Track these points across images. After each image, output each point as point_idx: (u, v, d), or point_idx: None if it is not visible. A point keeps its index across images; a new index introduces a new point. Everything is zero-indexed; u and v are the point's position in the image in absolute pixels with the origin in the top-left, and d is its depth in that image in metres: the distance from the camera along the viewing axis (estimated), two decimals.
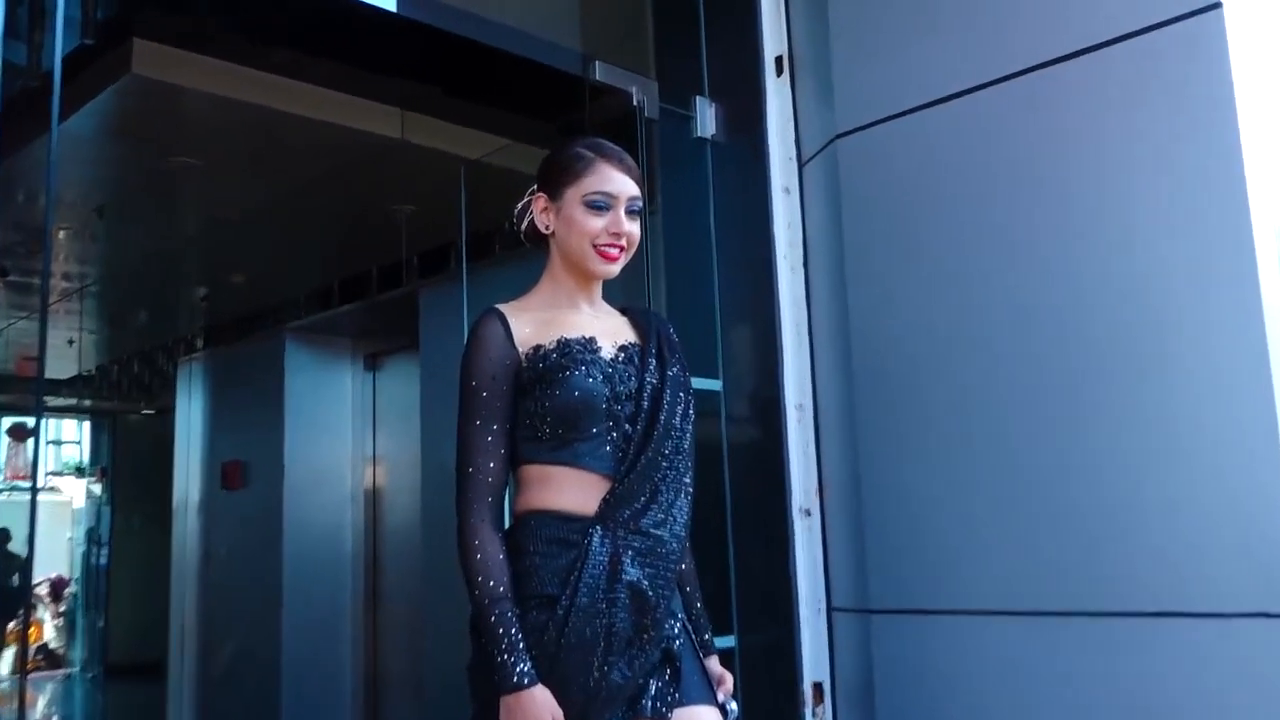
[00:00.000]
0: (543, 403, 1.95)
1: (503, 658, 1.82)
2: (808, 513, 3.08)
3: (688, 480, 2.03)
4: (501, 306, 2.05)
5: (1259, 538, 2.18)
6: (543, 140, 4.49)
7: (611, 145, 2.09)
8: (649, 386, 2.01)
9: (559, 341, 1.99)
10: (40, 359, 7.16)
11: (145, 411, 10.27)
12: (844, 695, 2.92)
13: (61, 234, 5.78)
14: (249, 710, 6.77)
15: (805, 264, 3.18)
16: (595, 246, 2.04)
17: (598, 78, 3.25)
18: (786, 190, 3.25)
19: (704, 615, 2.12)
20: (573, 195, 2.05)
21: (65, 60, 2.42)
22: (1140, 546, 2.36)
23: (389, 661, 6.84)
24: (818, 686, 2.99)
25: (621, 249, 2.06)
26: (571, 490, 1.95)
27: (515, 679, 1.82)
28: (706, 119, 3.38)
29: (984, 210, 2.71)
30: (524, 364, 1.98)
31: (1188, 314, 2.33)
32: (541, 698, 1.82)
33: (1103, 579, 2.41)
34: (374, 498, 7.13)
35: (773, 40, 3.32)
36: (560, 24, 3.54)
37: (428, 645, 5.62)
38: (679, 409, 2.03)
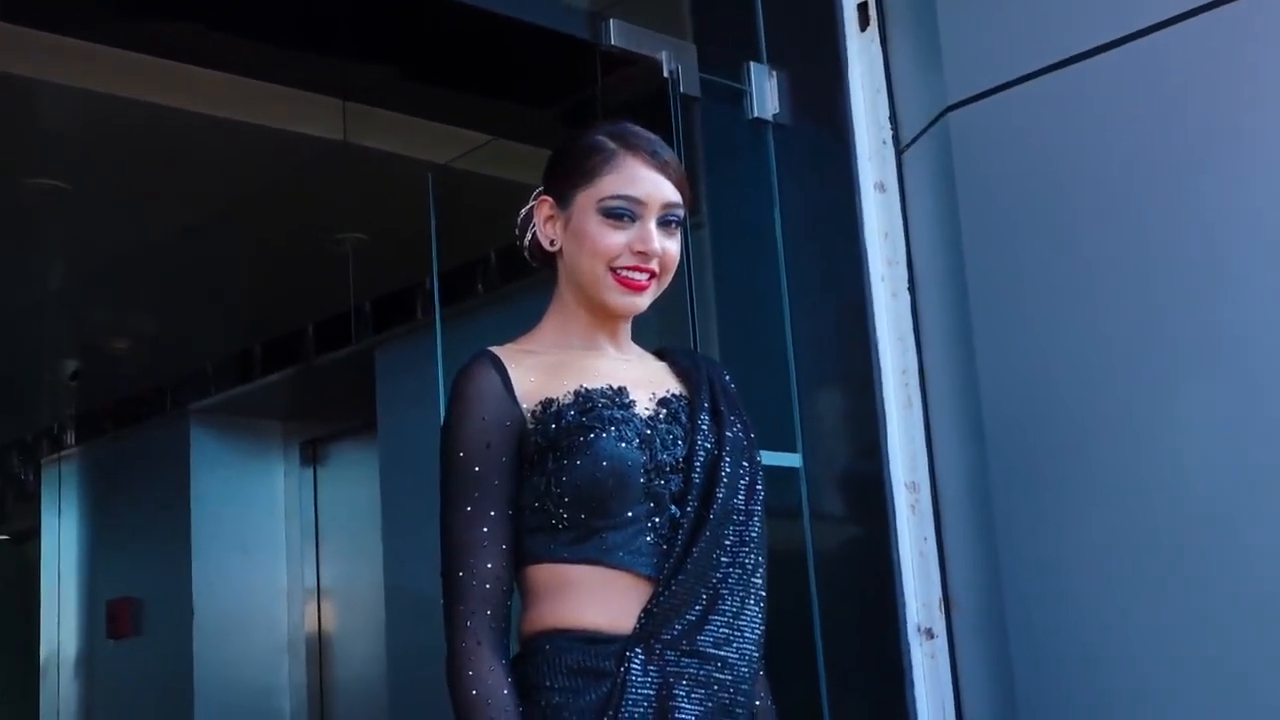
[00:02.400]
0: (558, 478, 1.96)
1: None
2: (930, 634, 3.07)
3: (758, 580, 2.03)
4: (496, 349, 2.07)
5: None
6: (538, 135, 4.56)
7: (643, 132, 2.11)
8: (701, 453, 2.02)
9: (577, 393, 2.01)
10: None
11: None
12: None
13: None
14: None
15: (911, 288, 3.20)
16: (614, 271, 2.06)
17: (613, 42, 3.29)
18: (881, 187, 3.28)
19: None
20: (586, 200, 2.07)
21: None
22: None
23: None
24: None
25: (652, 275, 2.08)
26: (599, 599, 1.96)
27: None
28: (766, 93, 3.42)
29: (1170, 207, 2.72)
30: (530, 425, 1.99)
31: None
32: None
33: None
34: (320, 646, 7.14)
35: None
36: None
37: None
38: (742, 483, 2.05)
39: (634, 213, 2.05)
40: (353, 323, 6.21)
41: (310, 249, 5.60)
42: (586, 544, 1.97)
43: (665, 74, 3.31)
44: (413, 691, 5.51)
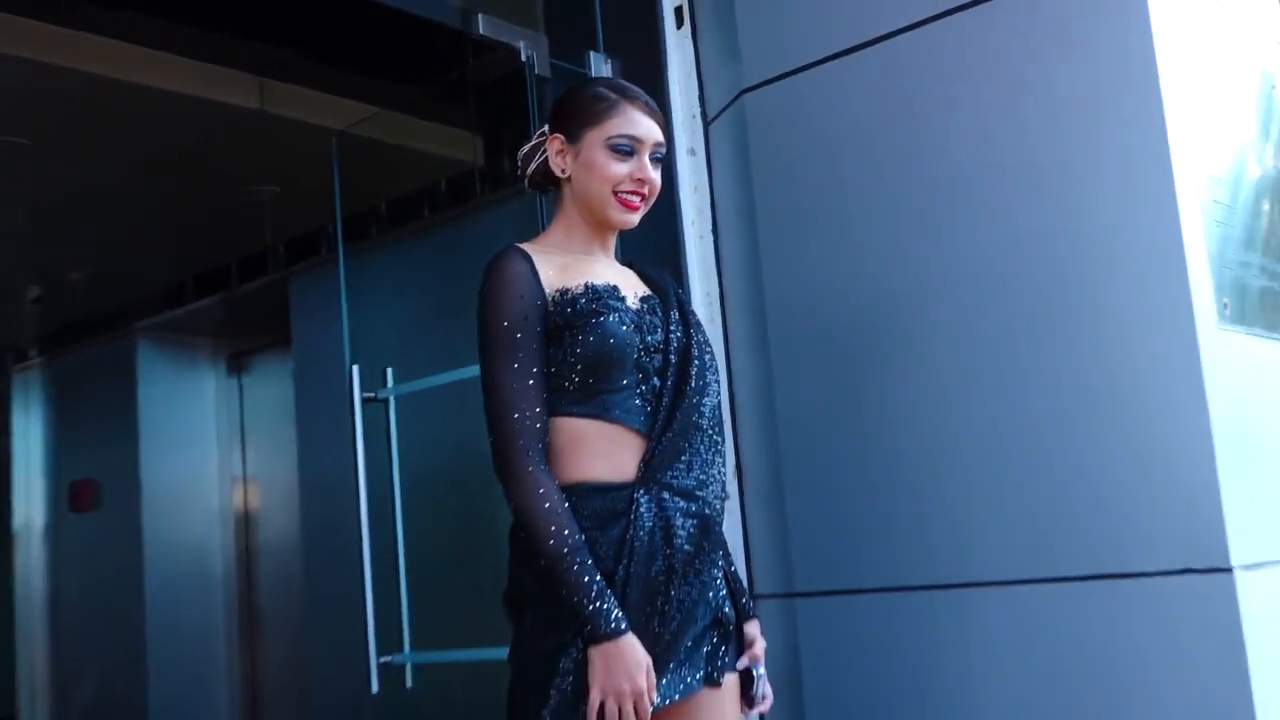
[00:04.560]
0: (574, 349, 2.05)
1: (594, 605, 1.93)
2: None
3: (721, 439, 2.15)
4: (523, 245, 2.14)
5: (1182, 494, 2.37)
6: (417, 107, 4.53)
7: (635, 87, 2.21)
8: (675, 340, 2.13)
9: (586, 286, 2.09)
10: None
11: None
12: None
13: None
14: None
15: (715, 231, 3.27)
16: (616, 194, 2.15)
17: (481, 32, 3.30)
18: (692, 151, 3.33)
19: (739, 579, 2.25)
20: (594, 138, 2.15)
21: None
22: (1068, 509, 2.51)
23: (270, 694, 6.82)
24: None
25: (644, 197, 2.17)
26: (603, 454, 2.05)
27: (613, 624, 1.92)
28: (602, 76, 3.44)
29: (907, 168, 2.82)
30: (551, 308, 2.07)
31: (1117, 271, 2.49)
32: (636, 642, 1.94)
33: (1032, 545, 2.56)
34: (245, 520, 7.09)
35: None
36: None
37: (312, 674, 5.62)
38: (710, 364, 2.16)
39: (633, 148, 2.15)
40: (269, 259, 6.13)
41: (233, 198, 5.51)
42: (590, 403, 2.05)
43: (523, 59, 3.33)
44: (322, 555, 5.51)
